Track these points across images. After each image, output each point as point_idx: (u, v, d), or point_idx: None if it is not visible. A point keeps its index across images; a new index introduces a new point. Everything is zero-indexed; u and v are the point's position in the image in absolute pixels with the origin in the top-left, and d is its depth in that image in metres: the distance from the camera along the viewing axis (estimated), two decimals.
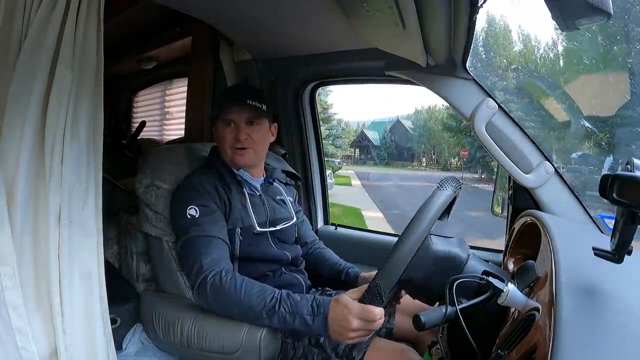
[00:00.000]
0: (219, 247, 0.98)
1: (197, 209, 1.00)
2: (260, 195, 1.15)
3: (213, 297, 0.91)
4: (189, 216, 1.00)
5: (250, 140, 1.08)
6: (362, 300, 0.76)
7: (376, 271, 0.74)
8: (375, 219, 8.92)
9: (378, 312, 0.76)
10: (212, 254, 0.95)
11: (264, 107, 1.09)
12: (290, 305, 0.85)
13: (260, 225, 1.09)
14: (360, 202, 10.69)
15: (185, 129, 1.82)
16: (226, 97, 1.16)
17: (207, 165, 1.14)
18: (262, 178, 1.18)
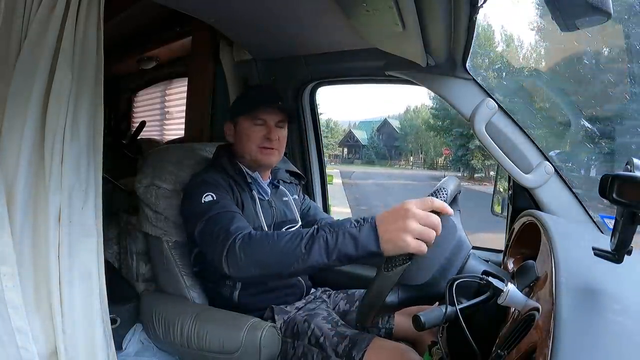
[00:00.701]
0: (242, 220, 0.92)
1: (213, 195, 0.97)
2: (268, 199, 1.14)
3: (244, 255, 0.79)
4: (204, 202, 0.95)
5: (277, 141, 1.10)
6: None
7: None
8: (341, 214, 9.59)
9: (437, 199, 0.66)
10: (236, 223, 0.88)
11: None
12: (329, 226, 0.73)
13: (268, 228, 1.09)
14: (335, 199, 11.22)
15: (185, 129, 1.82)
16: (259, 96, 1.14)
17: (214, 166, 1.12)
18: (269, 180, 1.18)
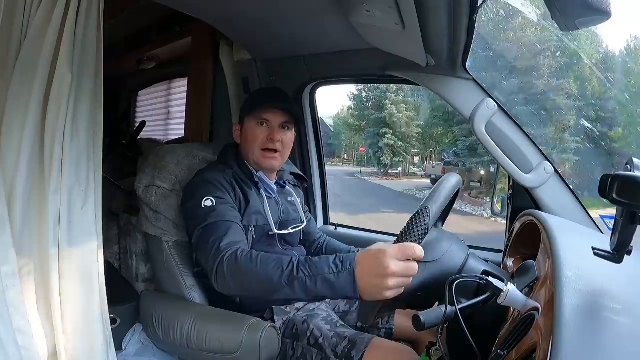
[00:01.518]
0: (237, 231, 0.95)
1: (213, 199, 0.98)
2: (275, 197, 1.15)
3: (231, 276, 0.84)
4: (204, 206, 0.97)
5: (280, 144, 1.09)
6: (400, 237, 0.70)
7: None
8: None
9: (417, 246, 0.67)
10: (229, 237, 0.91)
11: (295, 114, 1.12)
12: (309, 267, 0.76)
13: (275, 225, 1.09)
14: None
15: (185, 129, 1.82)
16: (264, 96, 1.14)
17: (220, 163, 1.12)
18: (274, 181, 1.18)
